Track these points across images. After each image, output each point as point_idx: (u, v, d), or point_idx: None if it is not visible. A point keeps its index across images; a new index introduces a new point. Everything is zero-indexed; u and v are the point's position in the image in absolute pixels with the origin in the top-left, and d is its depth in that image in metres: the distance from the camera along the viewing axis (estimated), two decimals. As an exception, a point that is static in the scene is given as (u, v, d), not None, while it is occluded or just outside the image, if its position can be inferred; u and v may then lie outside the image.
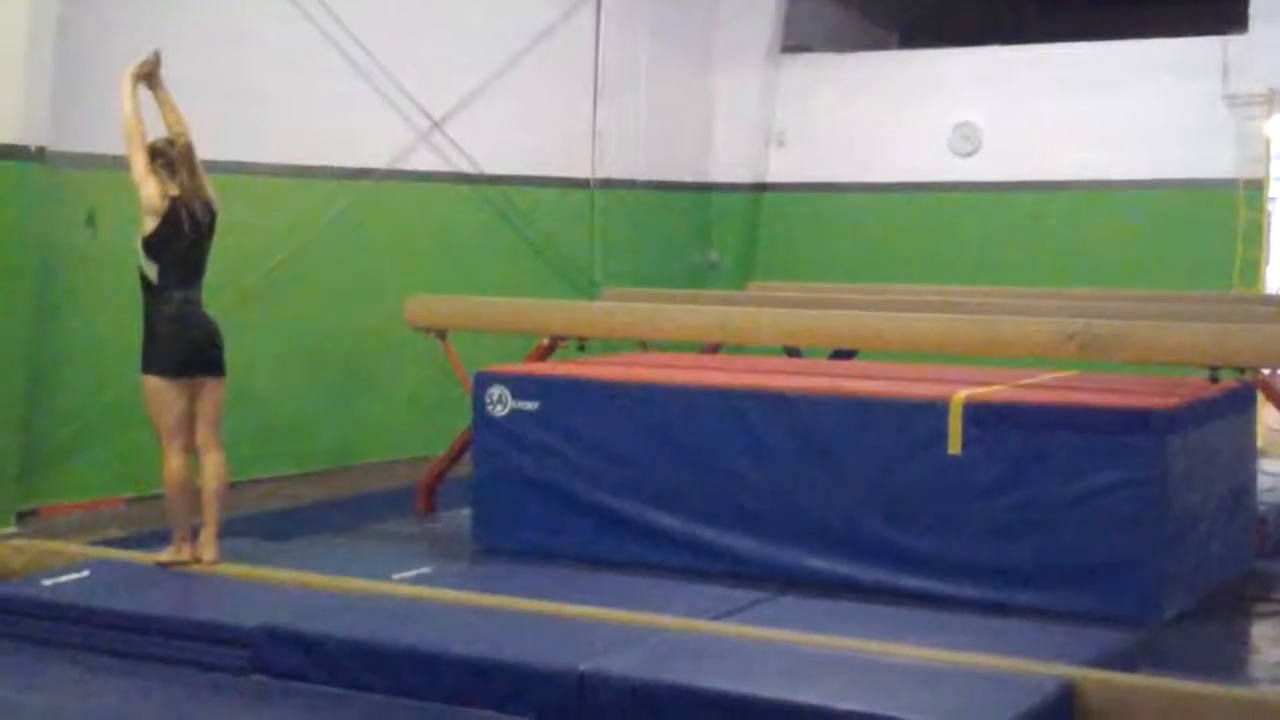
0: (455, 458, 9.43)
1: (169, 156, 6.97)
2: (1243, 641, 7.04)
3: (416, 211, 11.29)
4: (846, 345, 9.63)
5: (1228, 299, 10.95)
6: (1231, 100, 12.61)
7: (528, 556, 8.01)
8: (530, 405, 8.31)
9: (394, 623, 6.03)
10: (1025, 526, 7.23)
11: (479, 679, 5.56)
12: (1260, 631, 7.13)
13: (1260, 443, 9.80)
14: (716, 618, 6.16)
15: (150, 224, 6.95)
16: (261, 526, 8.74)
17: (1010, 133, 13.44)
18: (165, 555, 7.06)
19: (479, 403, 8.45)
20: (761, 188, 14.32)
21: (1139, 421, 7.06)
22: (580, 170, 12.77)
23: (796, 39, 14.42)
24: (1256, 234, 12.57)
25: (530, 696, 5.46)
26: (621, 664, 5.46)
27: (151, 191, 6.92)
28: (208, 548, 7.04)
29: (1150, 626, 6.86)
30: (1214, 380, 7.80)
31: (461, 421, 9.05)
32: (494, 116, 11.73)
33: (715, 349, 10.26)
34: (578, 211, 12.78)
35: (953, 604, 7.04)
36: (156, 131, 7.11)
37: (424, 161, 11.31)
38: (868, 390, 7.82)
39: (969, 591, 7.22)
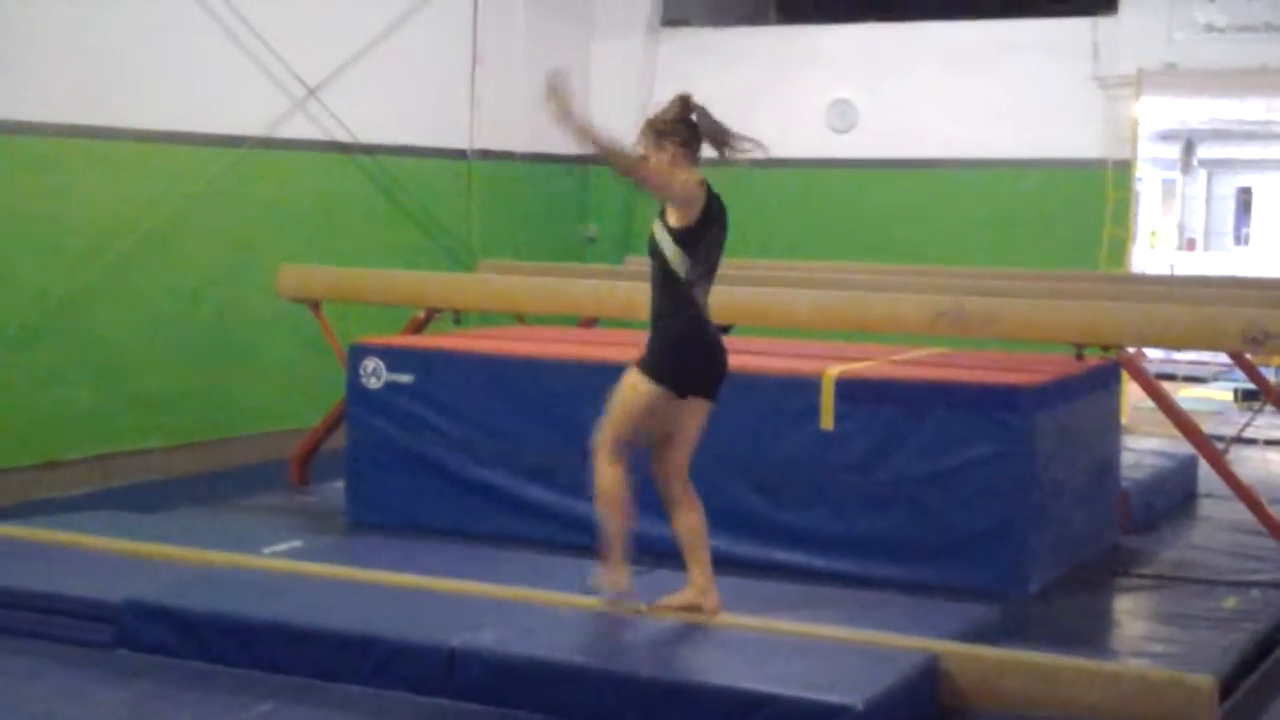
0: (329, 430, 9.35)
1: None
2: (1105, 615, 7.16)
3: (291, 180, 11.15)
4: (721, 320, 9.64)
5: (1095, 278, 11.13)
6: (1101, 81, 12.82)
7: (400, 530, 7.98)
8: (405, 378, 8.26)
9: (263, 597, 5.98)
10: (895, 501, 7.32)
11: (349, 653, 5.53)
12: (1122, 605, 7.27)
13: (1125, 420, 10.00)
14: (587, 592, 6.17)
15: (688, 215, 5.90)
16: (131, 499, 8.63)
17: (886, 109, 13.55)
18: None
19: (353, 375, 8.38)
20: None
21: (1008, 398, 7.17)
22: (458, 141, 12.69)
23: (676, 11, 14.43)
24: (1124, 214, 12.80)
25: (400, 670, 5.45)
26: (492, 638, 5.47)
27: (686, 180, 5.91)
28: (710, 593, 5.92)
29: (1015, 600, 6.98)
30: (1080, 358, 7.95)
31: (336, 394, 8.99)
32: (370, 85, 11.61)
33: (592, 323, 10.26)
34: (455, 182, 12.69)
35: (823, 578, 7.12)
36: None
37: (299, 130, 11.17)
38: (741, 365, 7.83)
39: (840, 565, 7.30)
